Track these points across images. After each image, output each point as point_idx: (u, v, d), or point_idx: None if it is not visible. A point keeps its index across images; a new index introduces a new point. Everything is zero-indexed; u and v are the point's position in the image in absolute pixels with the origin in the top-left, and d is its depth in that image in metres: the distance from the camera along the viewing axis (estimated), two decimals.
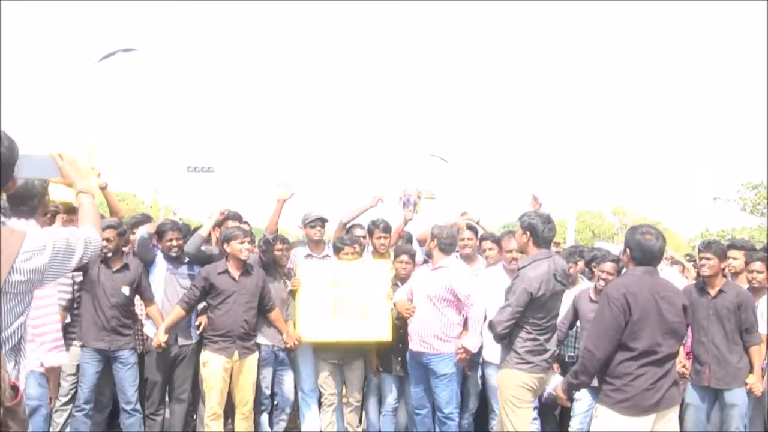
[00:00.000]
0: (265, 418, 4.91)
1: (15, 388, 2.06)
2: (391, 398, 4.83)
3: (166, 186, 23.98)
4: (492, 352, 4.44)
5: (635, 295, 3.24)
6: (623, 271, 3.99)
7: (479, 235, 5.14)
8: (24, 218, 2.85)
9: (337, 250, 4.92)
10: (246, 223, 5.11)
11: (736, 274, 4.53)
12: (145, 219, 5.27)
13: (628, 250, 3.44)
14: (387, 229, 5.12)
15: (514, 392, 3.85)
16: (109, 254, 4.35)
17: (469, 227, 5.15)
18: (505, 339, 3.91)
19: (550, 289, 3.81)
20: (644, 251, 3.35)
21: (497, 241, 4.95)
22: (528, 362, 3.83)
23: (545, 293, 3.77)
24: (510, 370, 3.87)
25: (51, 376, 3.35)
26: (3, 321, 2.09)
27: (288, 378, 4.89)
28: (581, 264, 5.02)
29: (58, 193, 4.32)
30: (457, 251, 4.88)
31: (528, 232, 3.92)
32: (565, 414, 4.72)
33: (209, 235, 4.85)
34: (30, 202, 2.90)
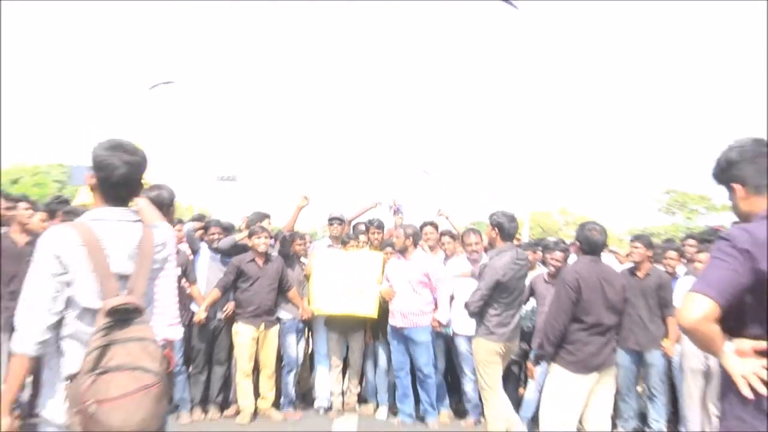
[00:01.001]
0: (291, 377, 5.99)
1: (169, 357, 2.51)
2: (382, 361, 6.00)
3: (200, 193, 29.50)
4: (461, 325, 5.58)
5: (585, 279, 3.97)
6: (576, 259, 4.60)
7: (439, 231, 6.23)
8: (124, 207, 3.26)
9: (344, 243, 6.14)
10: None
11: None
12: (200, 218, 6.58)
13: (578, 243, 4.34)
14: (380, 227, 6.34)
15: (485, 356, 4.67)
16: None
17: (432, 224, 6.26)
18: (477, 315, 4.72)
19: (513, 275, 4.61)
20: (590, 244, 4.15)
21: (454, 236, 6.06)
22: (495, 333, 4.63)
23: (509, 278, 4.58)
24: (481, 339, 4.69)
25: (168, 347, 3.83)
26: (148, 299, 2.55)
27: (301, 344, 6.11)
28: (539, 253, 6.10)
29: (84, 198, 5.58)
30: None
31: (496, 228, 4.74)
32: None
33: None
34: (161, 210, 3.11)
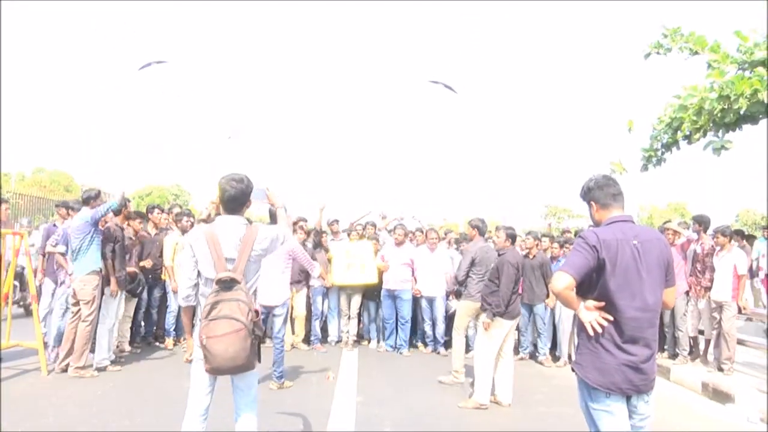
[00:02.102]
0: (317, 322, 9.01)
1: (257, 312, 3.28)
2: (372, 313, 9.17)
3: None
4: (426, 290, 8.81)
5: (517, 261, 6.19)
6: (503, 250, 6.38)
7: (406, 230, 9.20)
8: (239, 215, 3.54)
9: (349, 235, 9.35)
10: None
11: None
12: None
13: (506, 237, 7.35)
14: (374, 225, 9.55)
15: (464, 311, 6.92)
16: None
17: (401, 226, 9.18)
18: (462, 285, 6.95)
19: (480, 257, 6.74)
20: (513, 237, 6.82)
21: (422, 231, 9.26)
22: (473, 296, 6.73)
23: (479, 259, 6.76)
24: (465, 301, 6.93)
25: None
26: (249, 275, 3.40)
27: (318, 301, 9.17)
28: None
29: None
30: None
31: (475, 228, 7.10)
32: None
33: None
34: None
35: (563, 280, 2.93)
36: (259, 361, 3.38)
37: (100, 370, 6.72)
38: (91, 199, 6.83)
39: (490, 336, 6.08)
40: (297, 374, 7.08)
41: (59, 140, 79.08)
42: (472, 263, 6.85)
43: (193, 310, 3.57)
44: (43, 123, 79.18)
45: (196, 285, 3.48)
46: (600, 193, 3.14)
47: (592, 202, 3.17)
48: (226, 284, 3.22)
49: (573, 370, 3.15)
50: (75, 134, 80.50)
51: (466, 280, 6.97)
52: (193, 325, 3.58)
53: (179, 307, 5.14)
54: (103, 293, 6.80)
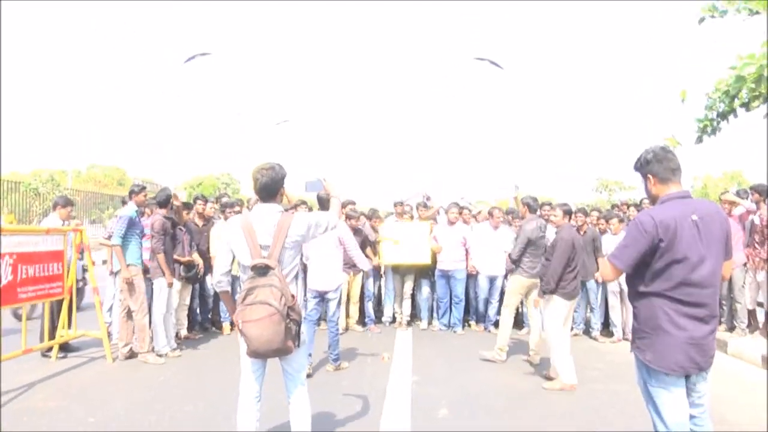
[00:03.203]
0: (371, 304, 9.21)
1: (293, 297, 3.34)
2: (426, 293, 9.28)
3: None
4: (481, 268, 8.88)
5: (573, 238, 6.07)
6: (558, 228, 6.30)
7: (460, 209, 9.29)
8: (274, 203, 3.59)
9: (402, 216, 9.42)
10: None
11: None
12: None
13: (564, 214, 6.26)
14: (426, 207, 9.59)
15: (516, 287, 7.03)
16: None
17: (455, 204, 9.34)
18: (517, 262, 6.97)
19: (537, 235, 6.82)
20: (568, 213, 6.53)
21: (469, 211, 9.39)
22: (527, 272, 6.91)
23: (535, 237, 6.84)
24: (517, 276, 7.00)
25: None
26: (286, 262, 3.45)
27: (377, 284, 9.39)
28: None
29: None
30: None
31: (526, 206, 7.02)
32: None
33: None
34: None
35: (611, 274, 3.05)
36: (298, 345, 3.45)
37: (160, 356, 6.98)
38: (133, 193, 7.12)
39: (551, 316, 6.09)
40: (353, 356, 7.24)
41: (111, 136, 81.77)
42: (528, 242, 6.89)
43: (229, 296, 3.74)
44: (96, 120, 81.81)
45: (229, 272, 3.62)
46: (659, 166, 3.04)
47: (650, 176, 3.08)
48: (261, 270, 3.30)
49: (632, 352, 3.15)
50: (126, 129, 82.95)
51: (521, 259, 6.99)
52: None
53: None
54: (152, 284, 7.08)
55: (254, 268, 3.32)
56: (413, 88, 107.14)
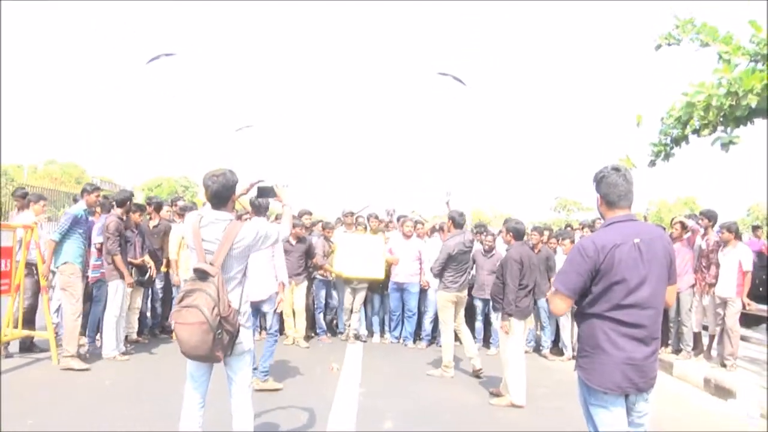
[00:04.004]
0: (321, 315, 9.07)
1: (229, 306, 3.30)
2: (376, 306, 9.19)
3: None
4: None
5: (521, 256, 6.01)
6: (514, 244, 6.21)
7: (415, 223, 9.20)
8: (225, 210, 3.56)
9: (356, 228, 9.28)
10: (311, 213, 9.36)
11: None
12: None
13: (507, 231, 6.18)
14: (377, 218, 9.56)
15: (443, 303, 6.98)
16: None
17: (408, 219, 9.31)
18: (439, 276, 7.00)
19: (459, 251, 6.81)
20: (519, 233, 6.14)
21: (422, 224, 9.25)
22: (449, 287, 6.88)
23: (456, 253, 6.85)
24: (441, 291, 7.01)
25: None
26: (230, 269, 3.44)
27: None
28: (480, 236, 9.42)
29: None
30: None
31: (451, 220, 7.07)
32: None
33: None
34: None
35: (561, 306, 3.08)
36: (230, 354, 3.42)
37: (108, 360, 6.76)
38: (85, 192, 6.98)
39: (510, 334, 6.05)
40: (301, 365, 7.10)
41: (71, 133, 79.45)
42: (449, 256, 6.85)
43: None
44: (54, 116, 79.57)
45: None
46: (608, 189, 3.07)
47: (599, 196, 3.13)
48: (203, 275, 3.31)
49: (575, 370, 3.13)
50: (86, 127, 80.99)
51: (442, 273, 6.96)
52: None
53: None
54: (107, 286, 6.93)
55: (196, 271, 3.34)
56: (374, 101, 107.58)
